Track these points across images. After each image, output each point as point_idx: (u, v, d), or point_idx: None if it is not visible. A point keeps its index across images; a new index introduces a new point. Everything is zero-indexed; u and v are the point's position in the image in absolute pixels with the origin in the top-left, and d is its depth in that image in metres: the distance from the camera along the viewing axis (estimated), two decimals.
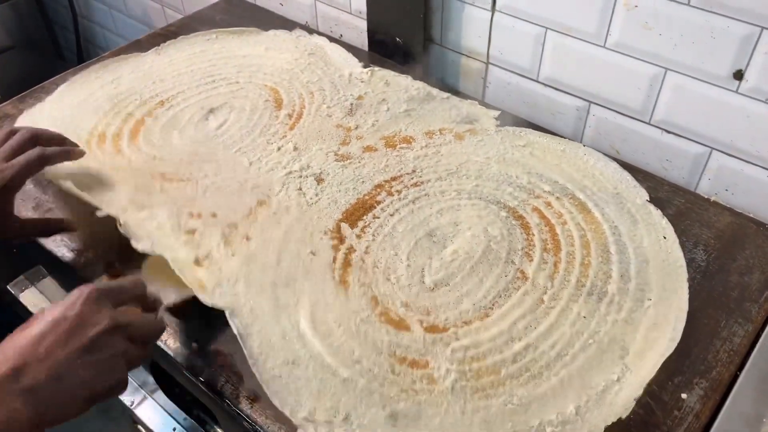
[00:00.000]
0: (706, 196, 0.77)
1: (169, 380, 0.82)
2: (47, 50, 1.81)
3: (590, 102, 0.84)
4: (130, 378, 0.91)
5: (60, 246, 0.73)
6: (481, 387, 0.56)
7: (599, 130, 0.85)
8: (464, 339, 0.60)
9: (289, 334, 0.60)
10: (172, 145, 0.81)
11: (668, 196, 0.76)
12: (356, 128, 0.84)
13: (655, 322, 0.62)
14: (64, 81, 0.94)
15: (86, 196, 0.71)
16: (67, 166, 0.71)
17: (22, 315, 1.02)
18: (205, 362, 0.61)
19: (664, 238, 0.70)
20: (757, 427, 0.53)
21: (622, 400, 0.56)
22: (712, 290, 0.66)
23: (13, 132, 0.66)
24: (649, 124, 0.80)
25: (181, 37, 1.01)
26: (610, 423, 0.54)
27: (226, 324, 0.61)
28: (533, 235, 0.70)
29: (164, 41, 1.00)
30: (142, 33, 1.52)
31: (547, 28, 0.82)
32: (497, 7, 0.84)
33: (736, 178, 0.76)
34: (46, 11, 1.77)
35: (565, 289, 0.65)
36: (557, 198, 0.74)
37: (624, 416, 0.55)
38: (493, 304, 0.63)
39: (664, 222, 0.72)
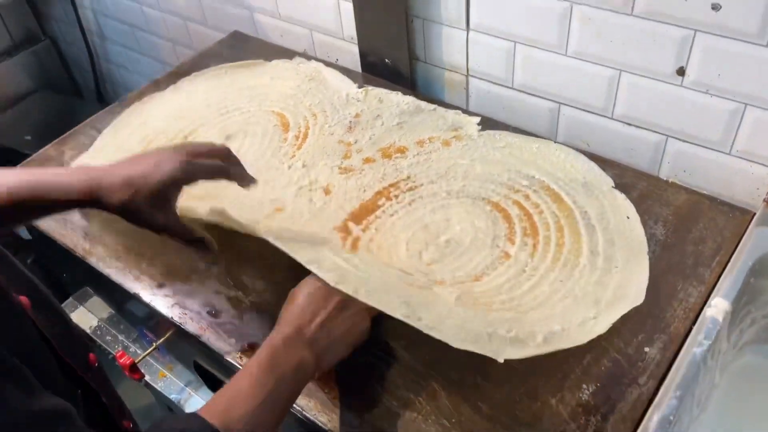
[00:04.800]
0: (665, 179, 0.88)
1: (209, 375, 0.94)
2: (67, 90, 1.94)
3: (560, 103, 0.94)
4: (176, 379, 1.03)
5: (104, 265, 0.85)
6: (479, 309, 0.69)
7: (570, 126, 0.96)
8: (460, 290, 0.72)
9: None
10: None
11: (632, 181, 0.87)
12: (356, 143, 0.95)
13: (621, 283, 0.73)
14: (97, 123, 1.06)
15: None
16: None
17: None
18: (244, 354, 0.73)
19: (628, 217, 0.80)
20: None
21: (600, 327, 0.67)
22: (671, 260, 0.77)
23: (215, 146, 0.73)
24: (611, 118, 0.90)
25: (194, 73, 1.13)
26: (592, 337, 0.66)
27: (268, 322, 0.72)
28: (514, 223, 0.81)
29: (179, 78, 1.12)
30: (155, 68, 1.65)
31: (515, 42, 0.92)
32: (471, 26, 0.95)
33: (691, 161, 0.87)
34: (63, 55, 1.91)
35: (543, 263, 0.76)
36: (534, 191, 0.85)
37: (603, 332, 0.67)
38: (482, 274, 0.75)
39: (627, 204, 0.82)
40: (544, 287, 0.73)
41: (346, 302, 0.65)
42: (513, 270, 0.75)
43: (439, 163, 0.90)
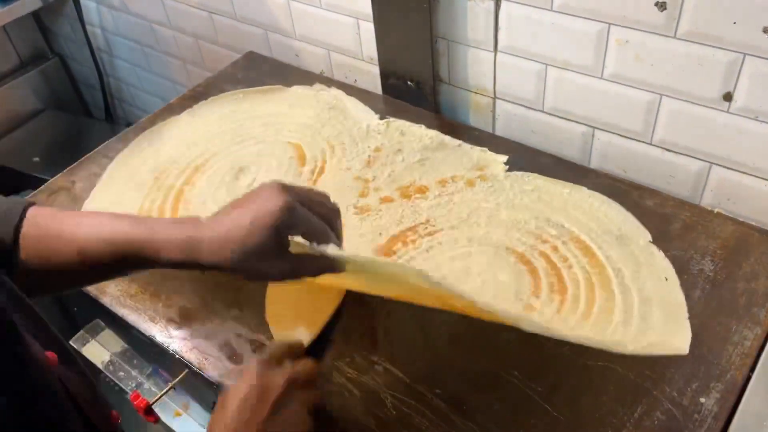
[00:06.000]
0: (709, 208, 0.83)
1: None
2: (76, 110, 1.91)
3: (594, 128, 0.90)
4: (192, 419, 0.98)
5: (117, 305, 0.80)
6: None
7: (605, 152, 0.91)
8: None
9: None
10: (209, 212, 0.87)
11: (674, 211, 0.82)
12: (373, 179, 0.89)
13: (662, 338, 0.66)
14: (108, 151, 1.02)
15: None
16: None
17: None
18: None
19: (666, 279, 0.73)
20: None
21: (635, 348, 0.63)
22: (722, 298, 0.72)
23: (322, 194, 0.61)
24: (650, 144, 0.86)
25: (211, 98, 1.08)
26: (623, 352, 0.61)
27: None
28: (540, 279, 0.74)
29: (194, 102, 1.08)
30: (166, 87, 1.61)
31: (547, 65, 0.88)
32: (499, 48, 0.91)
33: (737, 189, 0.82)
34: (72, 73, 1.87)
35: (572, 316, 0.69)
36: (563, 242, 0.78)
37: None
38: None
39: (666, 263, 0.75)
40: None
41: (283, 401, 0.58)
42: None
43: (462, 205, 0.84)
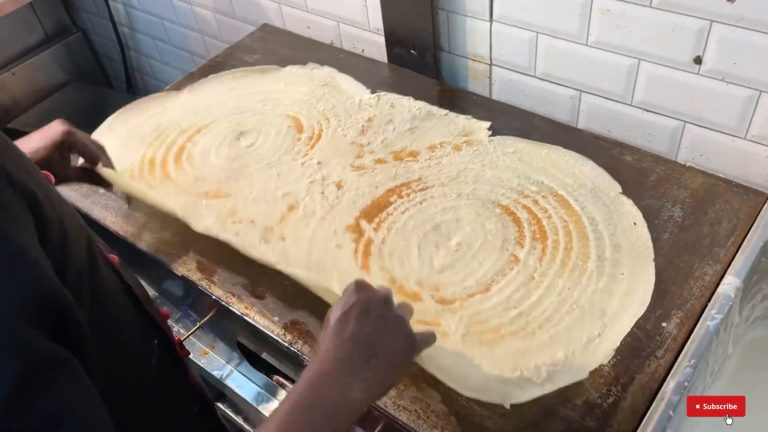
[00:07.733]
0: (683, 163, 0.92)
1: (251, 353, 1.00)
2: (99, 82, 2.00)
3: (581, 91, 0.98)
4: (217, 356, 1.09)
5: (153, 250, 0.91)
6: (485, 341, 0.72)
7: (591, 113, 1.00)
8: (469, 309, 0.75)
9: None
10: (212, 164, 0.97)
11: (651, 165, 0.91)
12: (368, 144, 0.98)
13: (628, 290, 0.75)
14: None
15: (153, 195, 0.88)
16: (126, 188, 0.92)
17: None
18: (287, 331, 0.79)
19: (635, 224, 0.82)
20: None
21: (603, 350, 0.70)
22: (688, 240, 0.81)
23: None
24: (631, 105, 0.94)
25: (211, 75, 1.16)
26: (593, 368, 0.68)
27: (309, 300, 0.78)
28: (523, 227, 0.83)
29: (214, 72, 1.17)
30: (185, 59, 1.70)
31: (538, 32, 0.96)
32: (494, 17, 0.99)
33: (708, 145, 0.90)
34: (95, 47, 1.96)
35: (551, 268, 0.78)
36: (543, 196, 0.87)
37: (605, 362, 0.69)
38: (492, 281, 0.78)
39: (635, 210, 0.84)
40: (552, 297, 0.75)
41: (386, 314, 0.59)
42: (522, 276, 0.77)
43: (450, 167, 0.92)
